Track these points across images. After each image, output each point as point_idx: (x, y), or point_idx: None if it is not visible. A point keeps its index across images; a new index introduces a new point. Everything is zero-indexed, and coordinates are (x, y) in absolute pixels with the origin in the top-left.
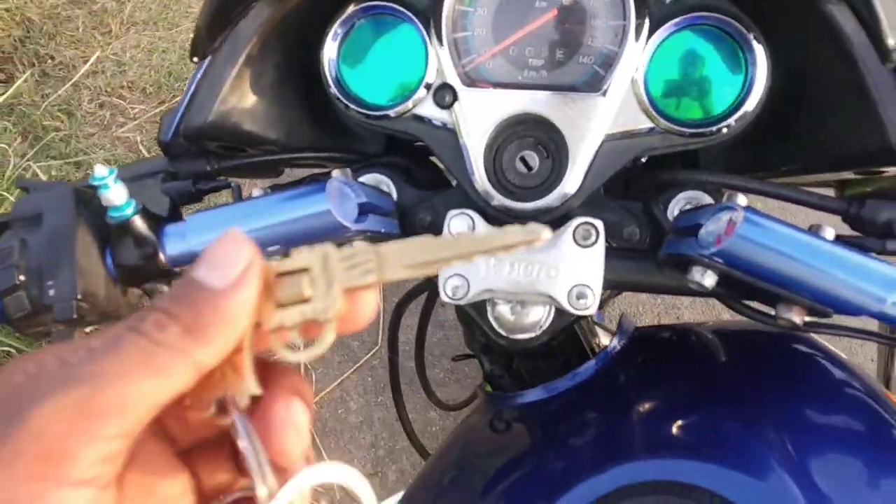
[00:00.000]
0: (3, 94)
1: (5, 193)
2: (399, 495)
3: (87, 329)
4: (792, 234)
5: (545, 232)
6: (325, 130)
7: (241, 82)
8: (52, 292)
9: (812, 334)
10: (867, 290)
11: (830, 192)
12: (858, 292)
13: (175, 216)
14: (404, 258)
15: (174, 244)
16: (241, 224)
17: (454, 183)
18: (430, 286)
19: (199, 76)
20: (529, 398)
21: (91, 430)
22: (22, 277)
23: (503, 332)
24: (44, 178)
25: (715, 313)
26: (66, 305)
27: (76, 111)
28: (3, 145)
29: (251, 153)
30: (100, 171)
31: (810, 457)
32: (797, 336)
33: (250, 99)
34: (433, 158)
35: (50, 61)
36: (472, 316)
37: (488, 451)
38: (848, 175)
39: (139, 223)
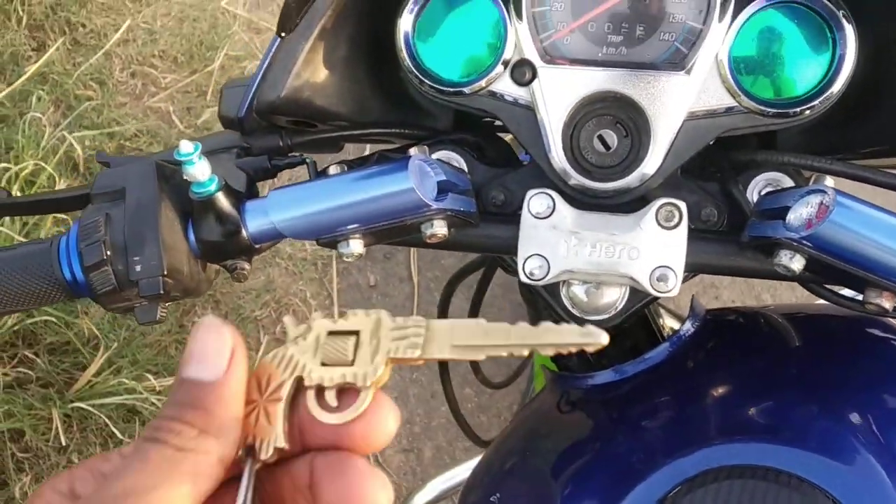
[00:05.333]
0: (36, 62)
1: (41, 163)
2: (450, 473)
3: (167, 304)
4: (885, 219)
5: (603, 338)
6: (393, 106)
7: (314, 56)
8: (138, 268)
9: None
10: None
11: None
12: None
13: (252, 192)
14: (454, 338)
15: (256, 221)
16: (322, 201)
17: (523, 159)
18: (486, 262)
19: (272, 51)
20: (600, 380)
21: None
22: (108, 253)
23: (576, 314)
24: (78, 148)
25: (755, 293)
26: (153, 281)
27: (108, 80)
28: (37, 114)
29: (321, 128)
30: (185, 146)
31: None
32: (871, 320)
33: (323, 73)
34: (502, 135)
35: (81, 29)
36: (544, 296)
37: (557, 433)
38: None
39: (222, 199)
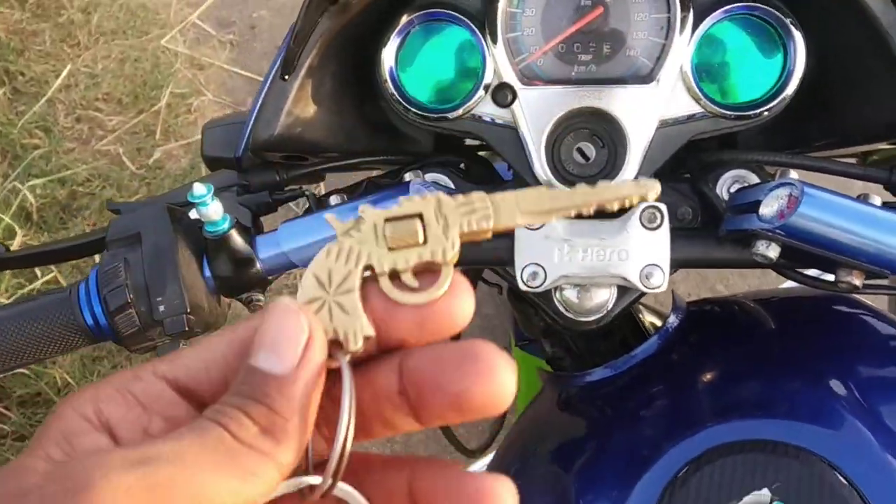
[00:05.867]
0: None
1: None
2: None
3: (187, 340)
4: (849, 205)
5: (657, 186)
6: (377, 134)
7: (303, 94)
8: (161, 308)
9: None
10: None
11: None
12: None
13: (257, 227)
14: (521, 205)
15: (268, 253)
16: (331, 230)
17: (505, 176)
18: (471, 275)
19: (264, 91)
20: (596, 377)
21: None
22: (131, 296)
23: (570, 316)
24: (31, 197)
25: (709, 285)
26: (177, 319)
27: (53, 127)
28: None
29: (312, 161)
30: (199, 189)
31: (877, 402)
32: (837, 297)
33: (311, 109)
34: (482, 153)
35: (21, 77)
36: (537, 302)
37: (561, 431)
38: (881, 146)
39: (235, 236)
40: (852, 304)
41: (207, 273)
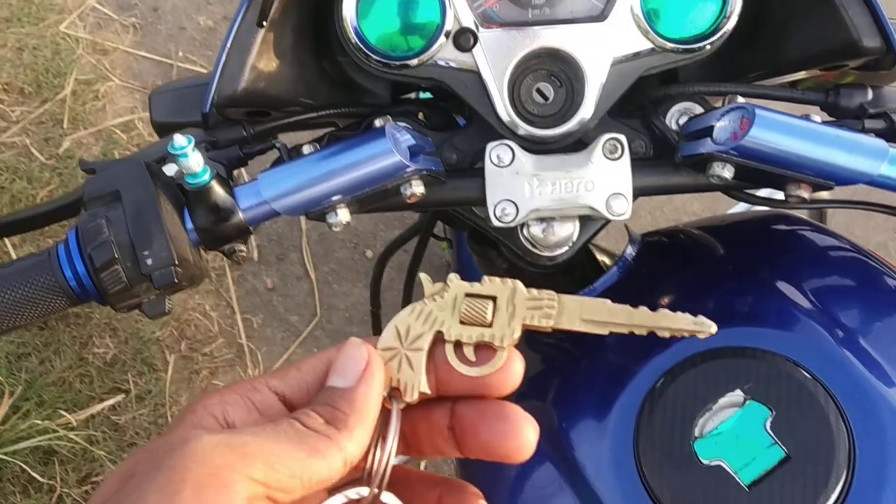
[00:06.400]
0: None
1: None
2: None
3: (173, 295)
4: (796, 123)
5: (714, 327)
6: (336, 89)
7: (265, 47)
8: (149, 261)
9: (788, 212)
10: (863, 160)
11: None
12: (856, 163)
13: (231, 180)
14: (583, 312)
15: (250, 203)
16: (310, 176)
17: (460, 122)
18: (420, 230)
19: (227, 46)
20: None
21: (242, 467)
22: (117, 252)
23: (537, 252)
24: None
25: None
26: (166, 272)
27: None
28: None
29: (275, 115)
30: (180, 140)
31: (828, 303)
32: (776, 217)
33: (274, 63)
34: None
35: None
36: (503, 241)
37: (533, 365)
38: (813, 73)
39: (217, 187)
40: (791, 221)
41: (189, 226)
